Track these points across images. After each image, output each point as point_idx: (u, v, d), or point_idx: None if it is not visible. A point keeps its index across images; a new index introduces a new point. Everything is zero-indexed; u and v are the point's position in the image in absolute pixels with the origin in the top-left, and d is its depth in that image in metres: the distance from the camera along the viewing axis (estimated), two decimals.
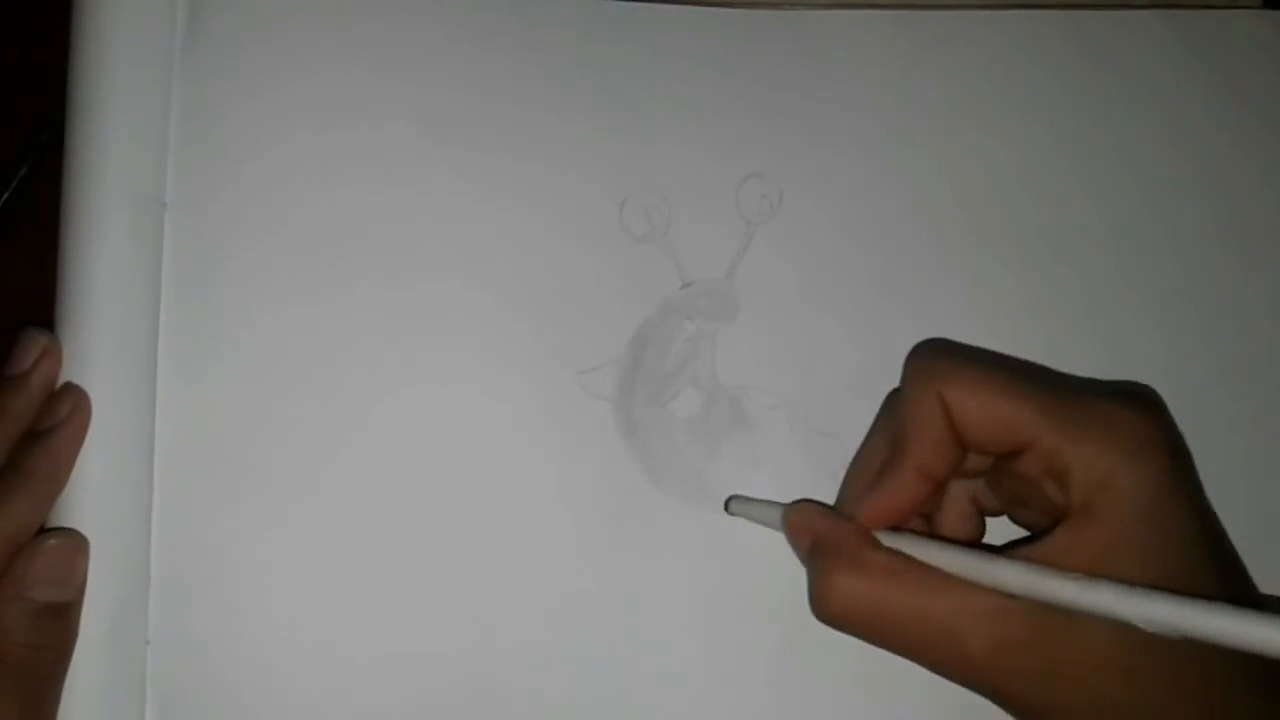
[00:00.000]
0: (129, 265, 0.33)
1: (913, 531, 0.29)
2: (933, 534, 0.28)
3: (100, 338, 0.32)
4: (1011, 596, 0.26)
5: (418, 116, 0.34)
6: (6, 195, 0.37)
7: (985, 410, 0.28)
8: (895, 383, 0.34)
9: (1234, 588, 0.27)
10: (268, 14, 0.35)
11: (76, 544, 0.31)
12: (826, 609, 0.28)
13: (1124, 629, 0.25)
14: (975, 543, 0.31)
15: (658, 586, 0.33)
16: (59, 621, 0.30)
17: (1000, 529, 0.31)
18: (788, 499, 0.33)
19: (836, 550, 0.28)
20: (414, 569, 0.33)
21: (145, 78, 0.33)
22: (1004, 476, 0.29)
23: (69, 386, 0.31)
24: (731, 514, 0.33)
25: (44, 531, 0.31)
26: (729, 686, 0.33)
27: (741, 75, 0.35)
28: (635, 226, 0.34)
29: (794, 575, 0.33)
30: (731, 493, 0.34)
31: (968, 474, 0.30)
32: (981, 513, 0.31)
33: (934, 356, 0.30)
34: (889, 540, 0.28)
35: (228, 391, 0.33)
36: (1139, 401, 0.28)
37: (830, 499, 0.32)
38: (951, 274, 0.35)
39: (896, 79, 0.35)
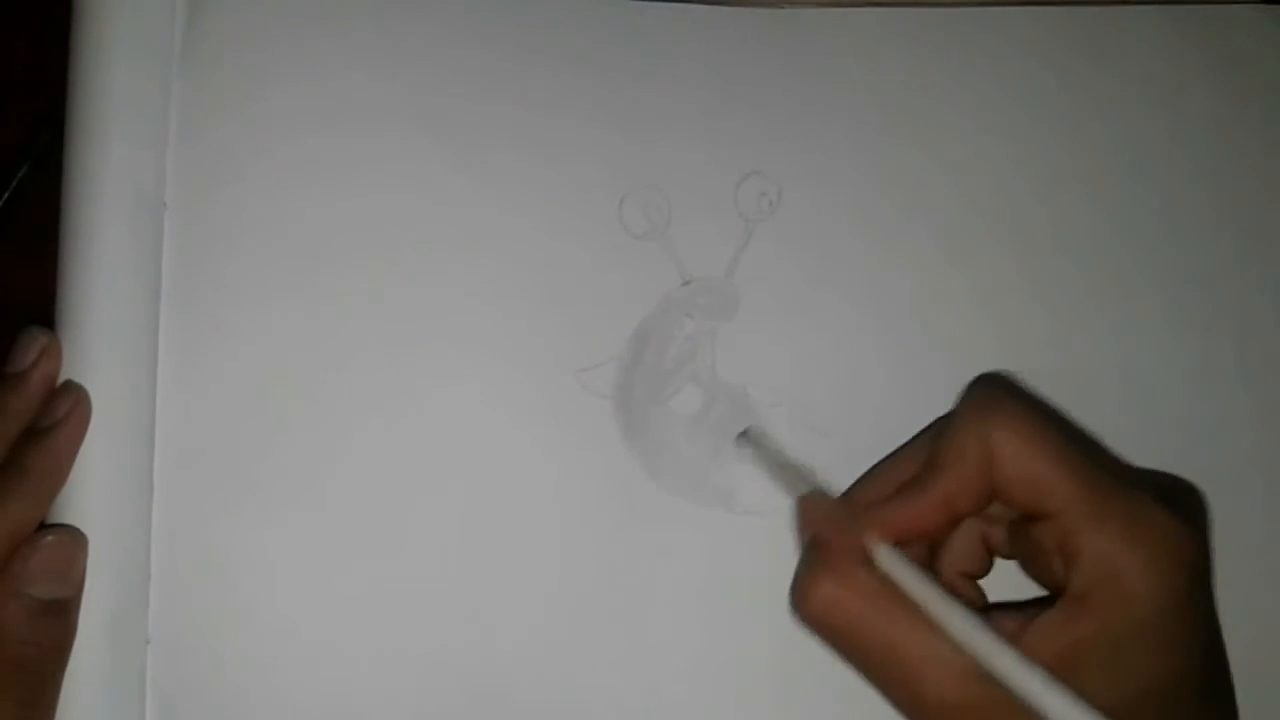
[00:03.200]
0: (129, 264, 0.33)
1: (909, 558, 0.28)
2: (926, 569, 0.28)
3: (100, 336, 0.32)
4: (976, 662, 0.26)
5: (416, 116, 0.34)
6: (7, 195, 0.37)
7: (1023, 465, 0.27)
8: (894, 382, 0.34)
9: None
10: (267, 14, 0.35)
11: (75, 540, 0.31)
12: (803, 607, 0.28)
13: None
14: (978, 576, 0.31)
15: (657, 584, 0.33)
16: (58, 619, 0.30)
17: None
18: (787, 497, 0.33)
19: (829, 556, 0.28)
20: (414, 568, 0.33)
21: (145, 77, 0.33)
22: (1019, 535, 0.29)
23: (69, 385, 0.31)
24: (738, 446, 0.33)
25: (43, 529, 0.30)
26: (728, 683, 0.33)
27: (740, 74, 0.35)
28: (634, 224, 0.34)
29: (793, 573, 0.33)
30: (732, 490, 0.34)
31: (988, 519, 0.30)
32: (990, 552, 0.31)
33: (991, 393, 0.29)
34: (886, 554, 0.28)
35: (228, 390, 0.33)
36: (1179, 507, 0.26)
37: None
38: (951, 271, 0.34)
39: (896, 77, 0.35)
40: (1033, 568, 0.29)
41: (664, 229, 0.34)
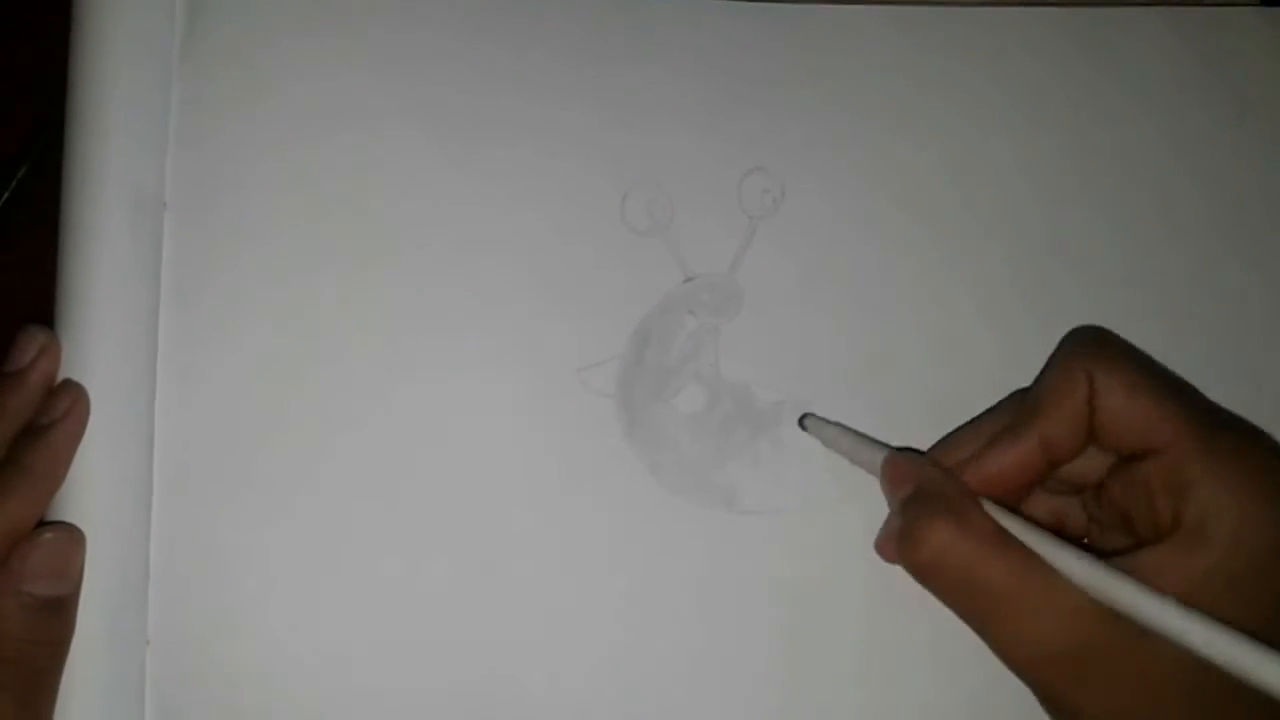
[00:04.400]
0: (128, 264, 0.33)
1: (1011, 508, 0.28)
2: (1030, 517, 0.28)
3: (100, 336, 0.32)
4: (1095, 599, 0.26)
5: (418, 113, 0.34)
6: (6, 195, 0.37)
7: (1130, 401, 0.27)
8: (897, 378, 0.34)
9: None
10: (267, 13, 0.35)
11: (73, 538, 0.30)
12: (917, 555, 0.28)
13: (1198, 662, 0.24)
14: None
15: (660, 583, 0.33)
16: (56, 616, 0.30)
17: None
18: (791, 496, 0.33)
19: (942, 501, 0.28)
20: (414, 567, 0.33)
21: (145, 77, 0.33)
22: (1118, 481, 0.29)
23: (67, 383, 0.31)
24: (804, 429, 0.33)
25: (41, 526, 0.30)
26: (730, 683, 0.33)
27: (744, 70, 0.35)
28: (637, 221, 0.34)
29: (796, 572, 0.33)
30: (733, 489, 0.34)
31: (1072, 484, 0.30)
32: (1059, 530, 0.31)
33: (1094, 338, 0.30)
34: (989, 504, 0.28)
35: (227, 389, 0.33)
36: None
37: (832, 497, 0.32)
38: (953, 269, 0.35)
39: (899, 75, 0.35)
40: (1127, 523, 0.29)
41: (667, 225, 0.34)
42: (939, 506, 0.28)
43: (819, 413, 0.34)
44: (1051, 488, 0.30)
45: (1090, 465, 0.29)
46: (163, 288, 0.33)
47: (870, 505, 0.31)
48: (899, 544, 0.28)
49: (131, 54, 0.33)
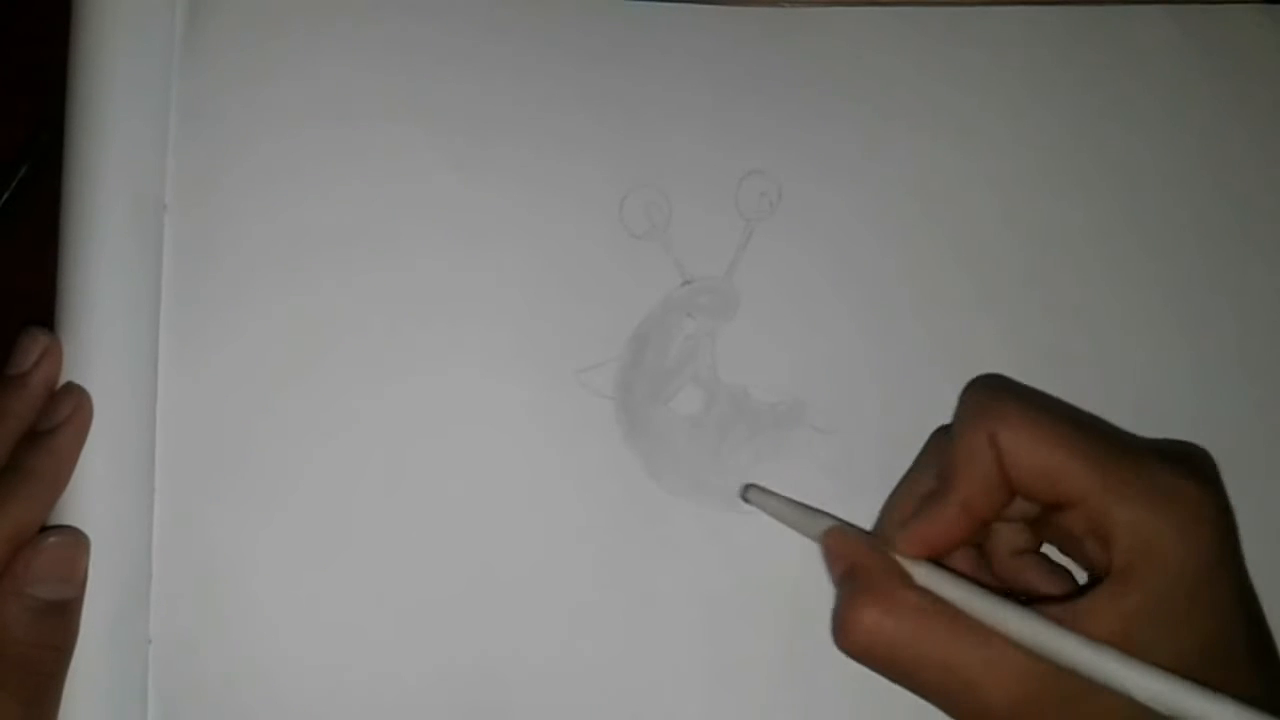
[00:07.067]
0: (129, 265, 0.33)
1: (949, 569, 0.28)
2: (967, 575, 0.28)
3: (101, 337, 0.32)
4: (1034, 656, 0.26)
5: (417, 113, 0.34)
6: (6, 195, 0.37)
7: (1035, 458, 0.27)
8: (896, 380, 0.34)
9: (1264, 677, 0.26)
10: (267, 13, 0.35)
11: (78, 542, 0.31)
12: (849, 640, 0.28)
13: (1144, 709, 0.24)
14: (1033, 550, 0.31)
15: (659, 585, 0.33)
16: (60, 620, 0.30)
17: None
18: (789, 496, 0.33)
19: (868, 582, 0.28)
20: (414, 568, 0.33)
21: (145, 77, 0.33)
22: (1048, 527, 0.29)
23: (70, 386, 0.32)
24: (748, 501, 0.33)
25: (45, 530, 0.30)
26: (730, 684, 0.33)
27: (742, 72, 0.35)
28: (635, 224, 0.34)
29: (796, 573, 0.33)
30: (733, 490, 0.34)
31: (1015, 518, 0.30)
32: (1038, 546, 0.31)
33: (989, 395, 0.29)
34: (925, 572, 0.28)
35: (228, 390, 0.33)
36: (1193, 469, 0.27)
37: (830, 498, 0.32)
38: (951, 270, 0.35)
39: (897, 75, 0.35)
40: (1067, 552, 0.29)
41: (664, 228, 0.34)
42: (865, 588, 0.28)
43: (816, 414, 0.34)
44: (1009, 517, 0.30)
45: (1029, 509, 0.29)
46: (163, 288, 0.33)
47: (870, 504, 0.32)
48: (833, 631, 0.28)
49: (131, 54, 0.33)
